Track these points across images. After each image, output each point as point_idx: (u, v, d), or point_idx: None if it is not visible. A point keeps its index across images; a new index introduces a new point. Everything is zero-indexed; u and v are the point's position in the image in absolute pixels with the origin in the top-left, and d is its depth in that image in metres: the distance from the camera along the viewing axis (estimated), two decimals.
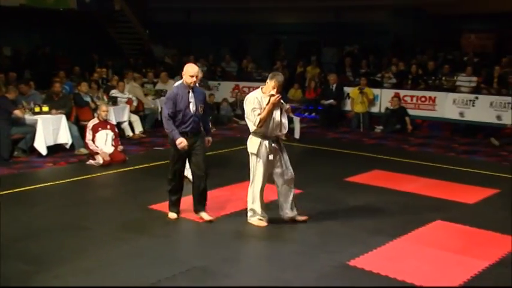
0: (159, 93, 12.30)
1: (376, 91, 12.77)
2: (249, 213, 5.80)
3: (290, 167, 5.72)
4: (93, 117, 9.06)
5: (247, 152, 5.67)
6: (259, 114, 5.43)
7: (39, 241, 5.29)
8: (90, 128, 8.57)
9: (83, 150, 9.11)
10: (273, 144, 5.55)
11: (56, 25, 16.26)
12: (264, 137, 5.53)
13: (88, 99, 10.40)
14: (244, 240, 5.56)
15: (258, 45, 18.84)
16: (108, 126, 8.79)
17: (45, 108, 9.27)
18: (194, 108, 5.63)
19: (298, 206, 5.86)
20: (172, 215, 5.93)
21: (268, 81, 5.52)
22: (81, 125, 9.61)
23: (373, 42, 17.30)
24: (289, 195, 5.73)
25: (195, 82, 5.62)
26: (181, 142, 5.53)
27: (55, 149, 9.25)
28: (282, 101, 5.59)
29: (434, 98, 12.11)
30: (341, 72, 14.28)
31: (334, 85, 12.87)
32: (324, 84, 13.51)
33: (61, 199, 6.78)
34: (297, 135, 10.82)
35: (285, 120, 5.63)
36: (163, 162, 8.71)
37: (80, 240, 5.34)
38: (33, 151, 8.98)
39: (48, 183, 7.42)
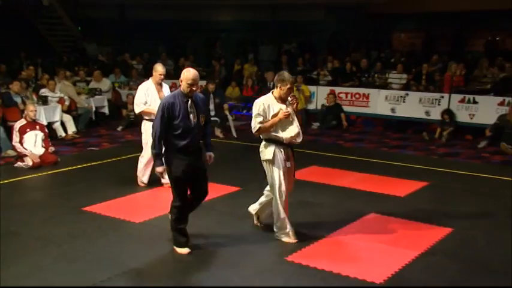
0: (93, 92, 12.01)
1: (312, 88, 13.02)
2: (275, 229, 5.35)
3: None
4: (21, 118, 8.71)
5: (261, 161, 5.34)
6: (260, 122, 5.10)
7: None
8: (17, 129, 8.24)
9: (11, 152, 8.75)
10: (288, 152, 5.25)
11: None
12: (278, 143, 5.18)
13: (19, 99, 10.02)
14: None
15: (195, 43, 18.72)
16: (37, 127, 8.48)
17: None
18: (195, 120, 4.84)
19: (237, 202, 5.88)
20: (184, 250, 4.99)
21: (278, 84, 5.08)
22: (8, 125, 9.22)
23: (309, 40, 17.62)
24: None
25: (193, 91, 4.84)
26: (160, 171, 4.87)
27: None
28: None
29: (368, 94, 12.48)
30: (278, 70, 14.39)
31: (272, 83, 12.99)
32: (261, 82, 13.62)
33: None
34: (234, 133, 10.91)
35: (299, 128, 5.22)
36: (97, 162, 8.56)
37: (10, 246, 5.12)
38: None
39: None
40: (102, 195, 6.68)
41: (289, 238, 5.27)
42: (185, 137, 4.80)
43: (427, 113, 11.58)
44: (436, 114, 11.33)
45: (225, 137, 10.78)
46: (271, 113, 5.10)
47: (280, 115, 5.06)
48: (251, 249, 5.13)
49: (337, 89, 12.79)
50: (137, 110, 6.93)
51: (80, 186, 7.20)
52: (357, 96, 12.61)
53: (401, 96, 12.00)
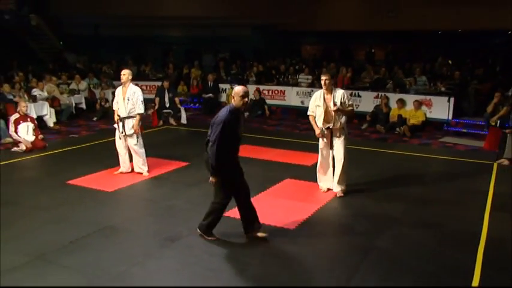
0: (73, 92, 11.40)
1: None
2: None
3: (341, 152, 5.42)
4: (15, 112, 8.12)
5: None
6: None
7: None
8: (12, 121, 7.71)
9: (8, 140, 8.15)
10: (324, 130, 5.48)
11: None
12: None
13: (12, 98, 9.34)
14: (144, 203, 5.40)
15: (154, 53, 18.14)
16: (28, 119, 7.94)
17: None
18: (242, 130, 4.15)
19: (186, 174, 5.75)
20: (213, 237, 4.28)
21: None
22: (7, 119, 8.56)
23: (240, 50, 17.49)
24: (335, 173, 5.52)
25: (246, 102, 4.05)
26: (214, 181, 4.11)
27: None
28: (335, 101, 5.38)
29: (284, 91, 12.57)
30: (217, 72, 14.25)
31: (212, 82, 12.83)
32: (204, 82, 13.39)
33: None
34: (183, 121, 10.68)
35: (331, 118, 5.43)
36: (77, 146, 8.16)
37: (8, 213, 4.81)
38: None
39: None
40: (82, 171, 6.37)
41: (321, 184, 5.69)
42: (236, 150, 4.15)
43: None
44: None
45: (177, 124, 10.55)
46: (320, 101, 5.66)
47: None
48: (196, 209, 4.91)
49: (262, 87, 12.80)
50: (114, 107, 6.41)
51: (64, 165, 6.83)
52: (276, 92, 12.68)
53: (308, 92, 12.16)
